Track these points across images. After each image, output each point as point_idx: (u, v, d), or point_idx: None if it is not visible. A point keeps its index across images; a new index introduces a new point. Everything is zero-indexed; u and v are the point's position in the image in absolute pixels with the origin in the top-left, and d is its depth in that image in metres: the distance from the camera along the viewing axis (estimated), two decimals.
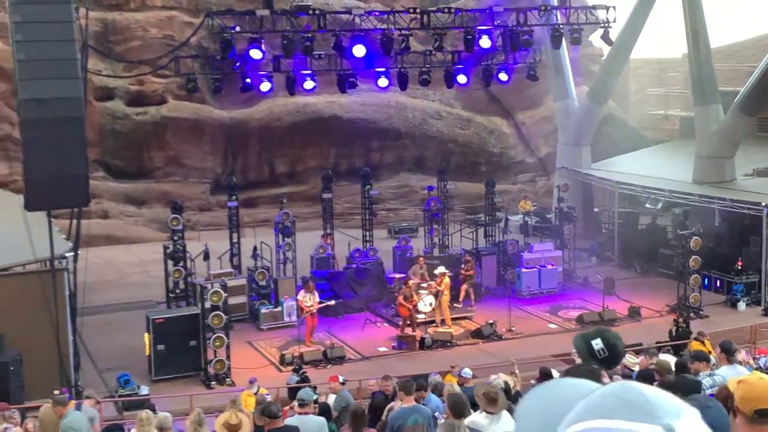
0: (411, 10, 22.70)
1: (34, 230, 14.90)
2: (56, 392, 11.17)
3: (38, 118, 12.80)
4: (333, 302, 19.86)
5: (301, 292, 19.24)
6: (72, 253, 15.92)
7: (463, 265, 21.58)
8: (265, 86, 22.53)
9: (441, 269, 20.09)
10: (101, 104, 28.85)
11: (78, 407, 11.63)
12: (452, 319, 20.28)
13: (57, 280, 15.11)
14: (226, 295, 17.25)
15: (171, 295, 20.74)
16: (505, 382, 9.90)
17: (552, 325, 20.57)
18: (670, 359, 10.72)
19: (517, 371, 12.67)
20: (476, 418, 7.39)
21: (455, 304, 20.93)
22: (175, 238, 20.95)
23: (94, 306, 19.68)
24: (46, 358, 14.91)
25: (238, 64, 22.30)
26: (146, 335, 17.16)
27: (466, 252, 23.06)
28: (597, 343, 4.34)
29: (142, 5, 29.83)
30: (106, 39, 28.84)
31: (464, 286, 21.28)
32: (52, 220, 14.92)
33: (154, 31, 29.53)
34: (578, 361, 10.37)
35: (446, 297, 19.91)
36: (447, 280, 19.88)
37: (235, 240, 22.88)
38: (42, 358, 14.86)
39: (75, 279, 16.12)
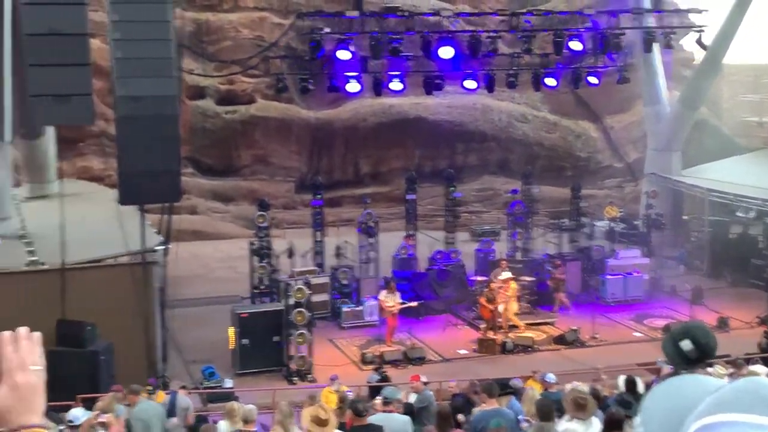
0: (500, 12, 22.59)
1: (127, 224, 15.35)
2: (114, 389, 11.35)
3: (133, 115, 13.17)
4: (414, 303, 19.88)
5: (383, 292, 19.31)
6: (162, 247, 16.32)
7: (552, 269, 21.36)
8: (353, 87, 22.68)
9: (506, 274, 19.83)
10: (193, 103, 29.51)
11: (173, 397, 11.95)
12: (535, 324, 20.09)
13: (147, 272, 15.52)
14: (309, 292, 17.46)
15: (255, 290, 21.06)
16: (594, 388, 9.77)
17: (637, 334, 20.17)
18: (761, 370, 10.40)
19: (604, 377, 12.47)
20: (569, 425, 7.28)
21: (552, 314, 20.76)
22: (261, 235, 21.27)
23: (182, 299, 20.14)
24: (135, 349, 15.32)
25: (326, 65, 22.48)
26: (231, 329, 17.48)
27: (554, 256, 22.77)
28: (686, 345, 4.14)
29: (235, 6, 30.39)
30: (200, 39, 29.47)
31: (558, 295, 21.10)
32: (144, 214, 15.33)
33: (246, 32, 30.06)
34: (666, 369, 10.16)
35: (513, 303, 19.64)
36: (514, 285, 19.66)
37: (318, 238, 23.11)
38: (131, 348, 15.27)
39: (165, 272, 16.53)
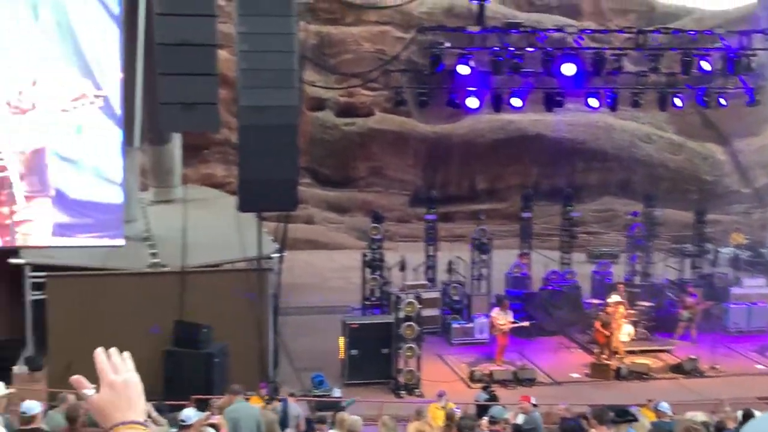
0: (626, 30, 22.08)
1: (245, 230, 15.68)
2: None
3: (255, 124, 13.45)
4: (526, 323, 19.57)
5: (496, 309, 19.08)
6: (278, 255, 16.59)
7: (685, 297, 20.69)
8: (473, 103, 22.55)
9: (615, 298, 19.23)
10: (313, 114, 29.99)
11: (284, 405, 12.11)
12: (651, 351, 19.47)
13: (263, 279, 15.81)
14: (419, 306, 17.42)
15: (366, 302, 21.18)
16: (704, 422, 9.35)
17: (759, 366, 19.28)
18: None
19: (728, 409, 11.94)
20: None
21: (671, 341, 20.08)
22: (374, 246, 21.38)
23: (295, 307, 20.42)
24: (248, 353, 15.60)
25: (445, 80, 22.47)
26: (341, 339, 17.60)
27: (687, 283, 21.99)
28: None
29: (358, 20, 30.77)
30: (322, 51, 29.94)
31: (688, 324, 20.39)
32: (261, 221, 15.63)
33: (367, 45, 30.38)
34: None
35: (619, 328, 18.96)
36: (622, 309, 19.04)
37: (431, 253, 23.06)
38: (243, 352, 15.56)
39: (279, 279, 16.79)
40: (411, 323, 16.99)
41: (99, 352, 2.21)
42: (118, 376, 2.18)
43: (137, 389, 2.20)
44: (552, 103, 22.57)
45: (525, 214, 23.93)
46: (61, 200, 13.70)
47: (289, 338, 18.86)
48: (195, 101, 13.03)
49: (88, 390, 2.19)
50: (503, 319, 18.65)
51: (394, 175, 31.03)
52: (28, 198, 13.54)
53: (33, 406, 8.35)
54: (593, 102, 22.67)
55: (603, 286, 21.94)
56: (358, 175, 31.03)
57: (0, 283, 16.15)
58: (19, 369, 14.92)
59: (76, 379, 2.23)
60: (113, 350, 2.25)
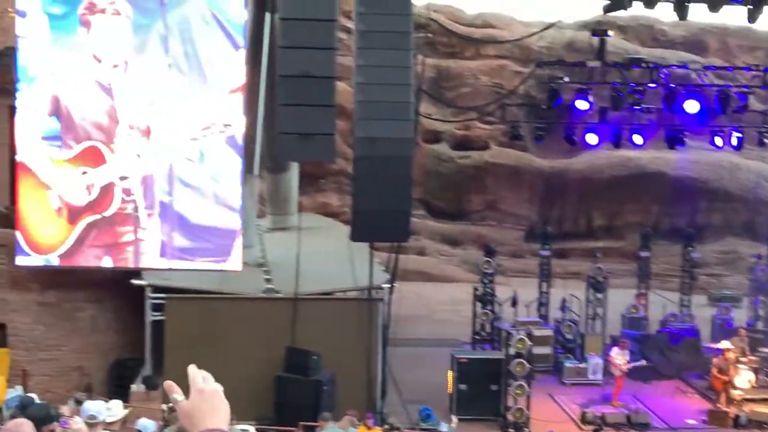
0: (753, 67, 21.38)
1: (357, 260, 15.82)
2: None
3: (370, 155, 13.60)
4: (644, 362, 18.95)
5: (615, 349, 18.56)
6: (388, 285, 16.65)
7: None
8: (592, 139, 22.25)
9: (725, 344, 18.36)
10: (428, 146, 30.14)
11: None
12: None
13: (373, 309, 15.89)
14: (530, 343, 17.15)
15: (476, 336, 20.99)
16: None
17: None
18: None
19: None
20: None
21: None
22: (486, 281, 21.21)
23: (404, 338, 20.39)
24: (356, 383, 15.67)
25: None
26: (450, 373, 17.47)
27: None
28: None
29: (476, 54, 30.86)
30: (439, 85, 30.13)
31: None
32: (373, 252, 15.74)
33: (485, 79, 30.40)
34: None
35: (739, 375, 18.01)
36: (731, 356, 18.14)
37: (544, 289, 22.72)
38: (352, 381, 15.63)
39: (389, 310, 16.84)
40: (522, 360, 16.72)
41: (191, 367, 2.37)
42: (207, 385, 2.33)
43: (223, 399, 2.34)
44: (674, 140, 22.03)
45: (643, 253, 23.33)
46: (183, 224, 14.17)
47: (397, 369, 18.84)
48: (313, 132, 13.29)
49: (178, 395, 2.34)
50: (622, 359, 18.15)
51: (509, 209, 30.79)
52: (148, 220, 14.05)
53: (148, 425, 8.61)
54: (718, 141, 21.98)
55: (724, 331, 21.09)
56: (472, 208, 30.93)
57: (123, 303, 16.78)
58: (136, 388, 15.44)
59: (169, 384, 2.37)
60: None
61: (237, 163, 14.20)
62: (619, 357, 18.16)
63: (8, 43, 19.03)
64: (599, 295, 21.91)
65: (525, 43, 30.28)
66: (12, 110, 15.53)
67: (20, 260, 14.14)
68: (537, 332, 19.15)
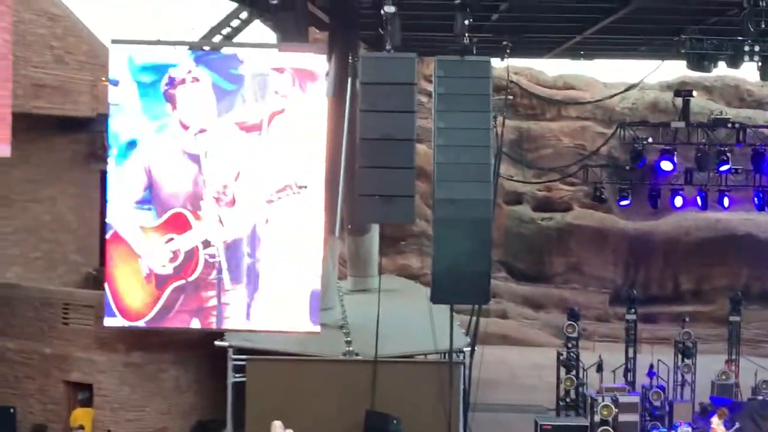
0: None
1: (437, 322, 15.70)
2: None
3: (450, 217, 13.58)
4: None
5: (715, 417, 17.94)
6: (469, 349, 16.45)
7: None
8: (677, 201, 21.88)
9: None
10: (509, 208, 30.03)
11: None
12: None
13: (454, 373, 15.68)
14: (616, 410, 16.73)
15: (561, 402, 20.54)
16: None
17: None
18: None
19: None
20: None
21: None
22: (570, 345, 20.83)
23: (486, 403, 20.06)
24: None
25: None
26: None
27: None
28: None
29: (558, 115, 30.82)
30: (520, 146, 30.12)
31: None
32: (454, 314, 15.61)
33: (566, 140, 30.28)
34: None
35: None
36: None
37: (630, 355, 22.18)
38: None
39: (470, 374, 16.62)
40: (607, 428, 16.31)
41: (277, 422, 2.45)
42: None
43: None
44: (763, 202, 21.47)
45: (733, 318, 22.63)
46: (264, 286, 14.30)
47: None
48: (393, 194, 13.36)
49: None
50: (721, 428, 17.52)
51: (593, 272, 30.31)
52: (230, 283, 14.25)
53: None
54: None
55: None
56: (555, 270, 30.55)
57: (205, 365, 16.97)
58: None
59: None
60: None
61: (318, 224, 14.33)
62: (720, 427, 17.57)
63: (100, 109, 19.84)
64: (688, 361, 21.32)
65: (607, 104, 30.14)
66: (103, 176, 16.07)
67: (108, 321, 14.45)
68: (623, 399, 18.61)
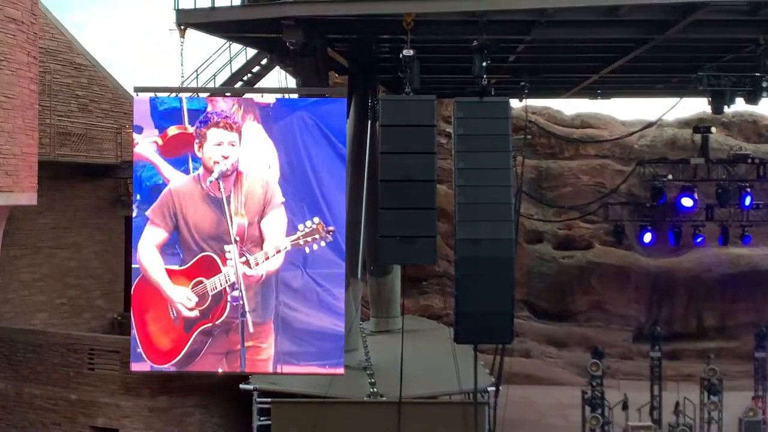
0: None
1: (461, 362, 15.69)
2: None
3: (472, 256, 13.63)
4: None
5: None
6: (494, 389, 16.40)
7: None
8: (698, 238, 21.85)
9: None
10: (530, 246, 30.01)
11: None
12: None
13: (479, 413, 15.62)
14: None
15: None
16: None
17: None
18: None
19: None
20: None
21: None
22: (594, 383, 20.68)
23: None
24: None
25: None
26: None
27: None
28: None
29: (576, 154, 30.92)
30: (539, 185, 30.20)
31: None
32: (477, 354, 15.60)
33: (586, 179, 30.33)
34: None
35: None
36: None
37: (656, 392, 21.98)
38: None
39: (495, 414, 16.54)
40: None
41: None
42: None
43: None
44: None
45: (759, 354, 22.42)
46: (288, 329, 14.41)
47: None
48: (414, 234, 13.46)
49: None
50: None
51: (615, 309, 30.14)
52: (256, 325, 14.36)
53: None
54: None
55: None
56: (577, 309, 30.40)
57: (230, 408, 17.01)
58: None
59: None
60: None
61: (340, 267, 14.44)
62: None
63: (124, 156, 20.16)
64: (714, 398, 21.09)
65: (625, 141, 30.22)
66: (128, 222, 16.29)
67: (135, 366, 14.56)
68: None
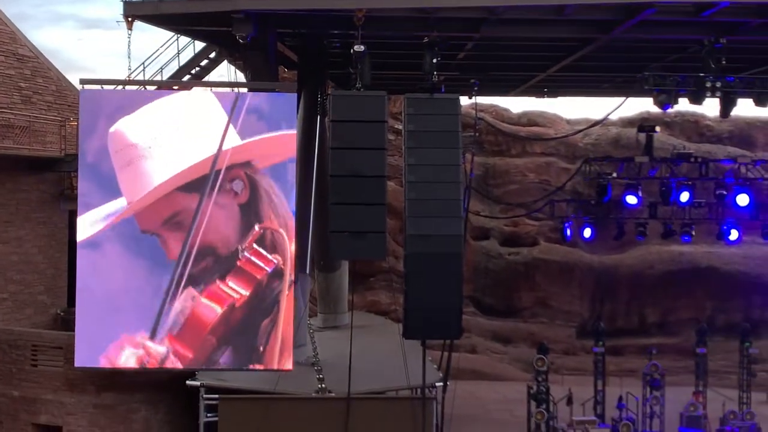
0: None
1: (409, 358, 15.74)
2: None
3: (421, 252, 13.71)
4: None
5: None
6: (441, 384, 16.50)
7: None
8: (642, 234, 22.22)
9: None
10: (477, 243, 30.23)
11: None
12: None
13: (426, 408, 15.70)
14: None
15: None
16: None
17: None
18: None
19: None
20: None
21: None
22: (539, 379, 20.92)
23: None
24: None
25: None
26: None
27: None
28: None
29: (523, 152, 31.24)
30: (486, 182, 30.43)
31: None
32: (426, 350, 15.68)
33: (532, 176, 30.67)
34: None
35: None
36: None
37: (599, 387, 22.30)
38: None
39: (442, 410, 16.64)
40: None
41: None
42: None
43: None
44: (725, 235, 21.86)
45: (699, 350, 22.85)
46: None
47: None
48: (363, 230, 13.49)
49: None
50: None
51: (560, 305, 30.52)
52: None
53: None
54: None
55: None
56: (523, 305, 30.72)
57: (176, 404, 16.85)
58: None
59: None
60: None
61: (287, 263, 14.41)
62: None
63: (69, 150, 19.81)
64: (656, 393, 21.46)
65: (571, 140, 30.61)
66: (73, 215, 16.01)
67: (80, 361, 14.35)
68: (594, 431, 18.72)
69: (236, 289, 14.29)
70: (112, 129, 14.19)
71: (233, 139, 14.25)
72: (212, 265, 14.23)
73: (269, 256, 14.32)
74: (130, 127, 14.22)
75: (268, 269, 14.34)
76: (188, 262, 14.13)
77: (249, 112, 14.24)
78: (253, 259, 14.28)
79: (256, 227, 14.30)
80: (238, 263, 14.27)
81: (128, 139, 14.19)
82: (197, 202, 14.18)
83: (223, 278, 14.24)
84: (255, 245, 14.28)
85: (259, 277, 14.34)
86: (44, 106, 20.53)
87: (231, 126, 14.25)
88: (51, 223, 20.99)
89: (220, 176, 14.22)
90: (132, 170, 14.19)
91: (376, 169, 13.65)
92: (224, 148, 14.24)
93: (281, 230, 14.39)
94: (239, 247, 14.26)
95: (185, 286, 14.13)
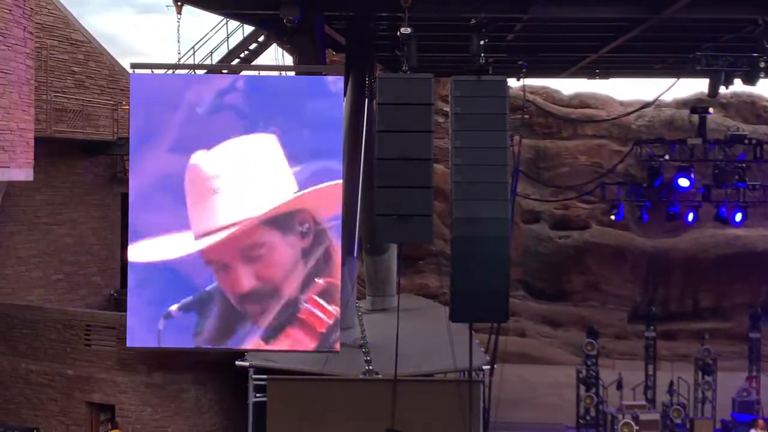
0: None
1: (457, 341, 15.75)
2: None
3: (468, 235, 13.65)
4: None
5: (753, 431, 17.88)
6: (488, 367, 16.48)
7: None
8: (690, 216, 21.86)
9: None
10: (527, 226, 30.06)
11: None
12: None
13: (473, 391, 15.70)
14: (637, 428, 16.72)
15: (581, 420, 20.50)
16: None
17: None
18: None
19: None
20: None
21: None
22: (589, 363, 20.80)
23: (506, 422, 20.03)
24: None
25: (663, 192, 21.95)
26: None
27: None
28: None
29: (574, 134, 30.89)
30: (536, 165, 30.20)
31: None
32: (473, 333, 15.67)
33: (583, 159, 30.33)
34: None
35: None
36: None
37: (650, 372, 22.09)
38: None
39: (490, 393, 16.63)
40: None
41: None
42: None
43: None
44: None
45: (753, 335, 22.52)
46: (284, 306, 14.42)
47: None
48: (410, 213, 13.46)
49: None
50: None
51: (611, 289, 30.24)
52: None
53: None
54: None
55: None
56: (573, 288, 30.50)
57: (226, 385, 17.08)
58: None
59: None
60: None
61: (337, 246, 14.46)
62: None
63: (121, 133, 20.12)
64: (708, 378, 21.21)
65: (623, 121, 30.20)
66: (125, 198, 16.27)
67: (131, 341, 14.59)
68: (644, 416, 18.56)
69: None
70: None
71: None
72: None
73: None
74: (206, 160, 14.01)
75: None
76: None
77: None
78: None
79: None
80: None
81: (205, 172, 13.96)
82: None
83: None
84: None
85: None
86: (97, 90, 20.88)
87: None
88: (104, 205, 21.39)
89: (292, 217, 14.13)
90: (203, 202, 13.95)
91: (423, 152, 13.58)
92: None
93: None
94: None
95: None
